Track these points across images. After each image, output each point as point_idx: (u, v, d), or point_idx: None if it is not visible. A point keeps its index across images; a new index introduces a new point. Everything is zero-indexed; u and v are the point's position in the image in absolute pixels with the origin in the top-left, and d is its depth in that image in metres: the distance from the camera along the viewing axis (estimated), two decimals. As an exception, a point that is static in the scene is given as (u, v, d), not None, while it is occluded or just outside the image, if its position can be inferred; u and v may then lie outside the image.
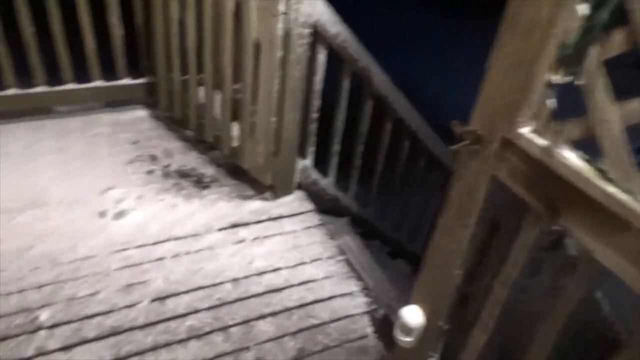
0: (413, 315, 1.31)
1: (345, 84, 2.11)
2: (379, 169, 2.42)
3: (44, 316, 1.64)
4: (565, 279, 1.00)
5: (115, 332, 1.62)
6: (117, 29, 2.56)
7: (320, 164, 2.35)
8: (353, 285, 1.92)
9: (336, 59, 2.02)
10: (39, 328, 1.60)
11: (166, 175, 2.38)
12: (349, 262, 2.02)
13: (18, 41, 2.39)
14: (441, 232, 1.19)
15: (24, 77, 2.53)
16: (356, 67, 2.05)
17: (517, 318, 1.17)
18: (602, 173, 0.82)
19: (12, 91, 2.50)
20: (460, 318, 1.25)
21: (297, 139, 2.15)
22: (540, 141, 0.91)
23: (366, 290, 1.92)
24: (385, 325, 1.74)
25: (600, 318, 1.16)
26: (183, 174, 2.40)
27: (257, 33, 1.89)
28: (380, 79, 2.11)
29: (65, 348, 1.56)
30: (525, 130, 0.94)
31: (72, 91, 2.63)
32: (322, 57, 2.00)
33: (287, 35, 1.82)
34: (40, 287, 1.74)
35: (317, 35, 1.91)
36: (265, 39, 1.87)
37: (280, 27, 1.79)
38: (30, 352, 1.53)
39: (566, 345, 1.02)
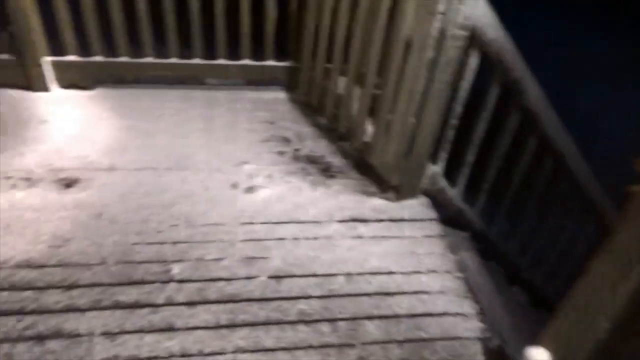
0: (539, 358, 1.20)
1: (493, 93, 1.99)
2: (513, 187, 2.27)
3: (176, 270, 1.79)
4: None
5: (233, 300, 1.72)
6: (271, 12, 2.67)
7: (451, 172, 2.26)
8: (468, 307, 1.82)
9: (488, 65, 1.91)
10: (171, 280, 1.75)
11: (295, 158, 2.45)
12: (466, 281, 1.92)
13: (183, 15, 2.62)
14: (594, 275, 1.07)
15: (185, 49, 2.76)
16: (509, 77, 1.92)
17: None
18: None
19: (173, 60, 2.75)
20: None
21: (432, 144, 2.08)
22: None
23: (481, 315, 1.81)
24: (498, 357, 1.64)
25: None
26: (311, 160, 2.46)
27: (410, 30, 1.84)
28: (533, 93, 1.96)
29: (189, 303, 1.68)
30: None
31: (223, 66, 2.81)
32: (473, 61, 1.90)
33: (441, 36, 1.76)
34: (175, 243, 1.90)
35: (473, 38, 1.82)
36: (417, 37, 1.83)
37: (435, 26, 1.73)
38: (160, 300, 1.68)
39: None
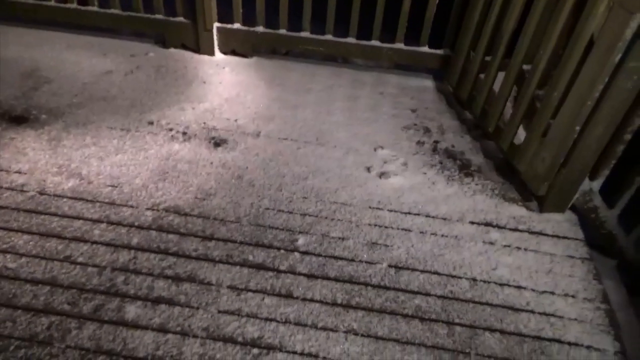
0: None
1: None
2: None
3: (301, 241, 1.84)
4: None
5: (351, 281, 1.72)
6: (434, -2, 2.58)
7: (611, 191, 2.00)
8: (607, 343, 1.62)
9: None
10: (295, 250, 1.81)
11: (434, 150, 2.37)
12: (609, 314, 1.71)
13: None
14: None
15: (339, 28, 2.79)
16: None
17: None
18: None
19: (328, 37, 2.80)
20: None
21: (594, 157, 1.86)
22: None
23: (622, 354, 1.60)
24: (637, 407, 1.44)
25: None
26: (450, 155, 2.35)
27: (597, 28, 1.64)
28: None
29: (309, 276, 1.73)
30: None
31: (375, 48, 2.80)
32: (668, 71, 1.63)
33: (636, 38, 1.53)
34: (304, 215, 1.95)
35: (674, 44, 1.56)
36: (603, 37, 1.61)
37: (632, 26, 1.51)
38: (283, 267, 1.75)
39: None
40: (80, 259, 1.70)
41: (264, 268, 1.74)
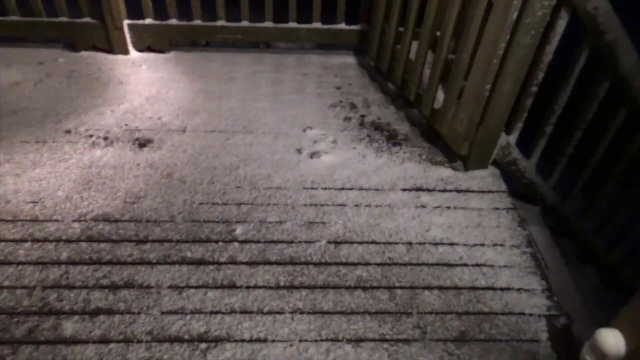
0: (612, 341, 1.12)
1: (581, 59, 1.82)
2: (595, 161, 2.09)
3: (239, 231, 1.84)
4: None
5: (292, 262, 1.75)
6: (343, -27, 2.60)
7: (526, 143, 2.13)
8: (535, 283, 1.74)
9: (579, 27, 1.74)
10: (234, 240, 1.80)
11: (361, 125, 2.41)
12: (534, 257, 1.83)
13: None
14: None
15: (256, 13, 2.76)
16: (601, 40, 1.74)
17: None
18: None
19: (244, 23, 2.76)
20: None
21: (507, 112, 1.96)
22: None
23: (548, 291, 1.72)
24: (564, 336, 1.55)
25: None
26: (377, 127, 2.40)
27: (492, -11, 1.72)
28: (628, 59, 1.77)
29: (251, 263, 1.73)
30: None
31: (293, 30, 2.80)
32: (562, 23, 1.74)
33: (527, -5, 1.62)
34: (239, 204, 1.95)
35: (564, -3, 1.66)
36: (499, -4, 1.70)
37: (522, -16, 1.60)
38: (223, 259, 1.74)
39: None
40: (6, 283, 1.62)
41: (204, 263, 1.73)
